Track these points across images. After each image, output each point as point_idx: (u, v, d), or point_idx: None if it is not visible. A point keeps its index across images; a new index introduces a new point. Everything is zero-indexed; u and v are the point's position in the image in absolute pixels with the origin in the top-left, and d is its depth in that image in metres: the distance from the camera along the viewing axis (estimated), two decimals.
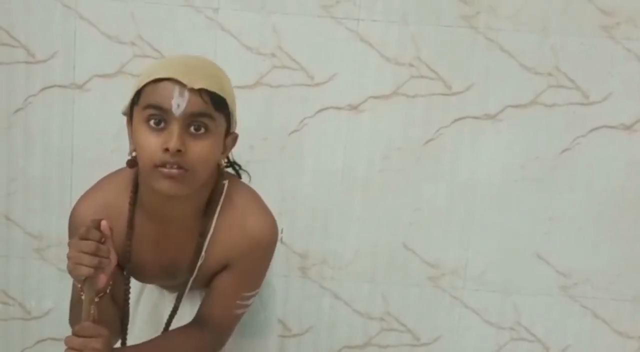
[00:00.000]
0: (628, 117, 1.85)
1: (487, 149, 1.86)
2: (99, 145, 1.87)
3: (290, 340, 1.95)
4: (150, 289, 1.35)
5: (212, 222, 1.17)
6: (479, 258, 1.90)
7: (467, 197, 1.87)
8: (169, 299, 1.36)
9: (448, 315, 1.94)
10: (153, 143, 1.05)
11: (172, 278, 1.25)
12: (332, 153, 1.88)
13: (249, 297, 1.21)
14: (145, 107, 1.06)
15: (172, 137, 1.04)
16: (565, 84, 1.83)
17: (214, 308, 1.20)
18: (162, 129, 1.06)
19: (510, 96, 1.83)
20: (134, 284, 1.25)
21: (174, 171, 1.05)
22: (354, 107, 1.85)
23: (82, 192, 1.25)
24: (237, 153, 1.86)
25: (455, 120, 1.85)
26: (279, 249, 1.29)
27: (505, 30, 1.80)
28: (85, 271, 1.04)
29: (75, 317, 1.16)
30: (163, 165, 1.05)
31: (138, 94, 1.08)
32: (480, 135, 1.85)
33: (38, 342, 1.98)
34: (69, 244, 1.08)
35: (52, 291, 1.94)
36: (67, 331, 1.35)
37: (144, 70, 1.13)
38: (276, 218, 1.72)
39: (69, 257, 1.05)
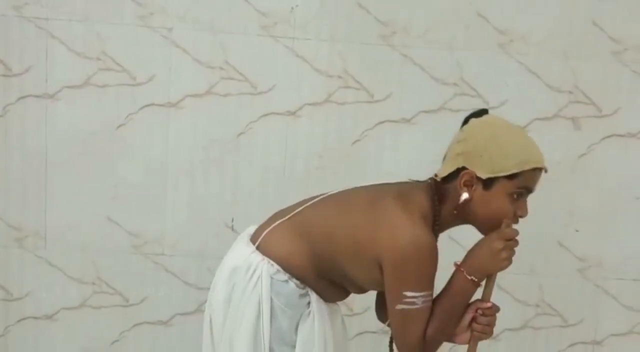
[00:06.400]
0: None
1: (404, 148, 1.97)
2: (69, 149, 1.94)
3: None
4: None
5: None
6: None
7: None
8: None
9: None
10: (510, 210, 1.26)
11: None
12: (275, 152, 1.97)
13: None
14: (520, 187, 1.25)
15: (526, 208, 1.28)
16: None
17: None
18: (517, 200, 1.27)
19: (422, 103, 1.96)
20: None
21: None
22: (292, 113, 1.95)
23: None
24: (191, 156, 1.93)
25: (378, 124, 1.97)
26: None
27: (417, 47, 1.93)
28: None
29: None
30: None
31: (518, 172, 1.24)
32: (398, 136, 1.97)
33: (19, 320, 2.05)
34: (497, 246, 1.27)
35: (31, 277, 2.02)
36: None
37: (521, 151, 1.24)
38: (229, 208, 1.84)
39: (505, 258, 1.27)
